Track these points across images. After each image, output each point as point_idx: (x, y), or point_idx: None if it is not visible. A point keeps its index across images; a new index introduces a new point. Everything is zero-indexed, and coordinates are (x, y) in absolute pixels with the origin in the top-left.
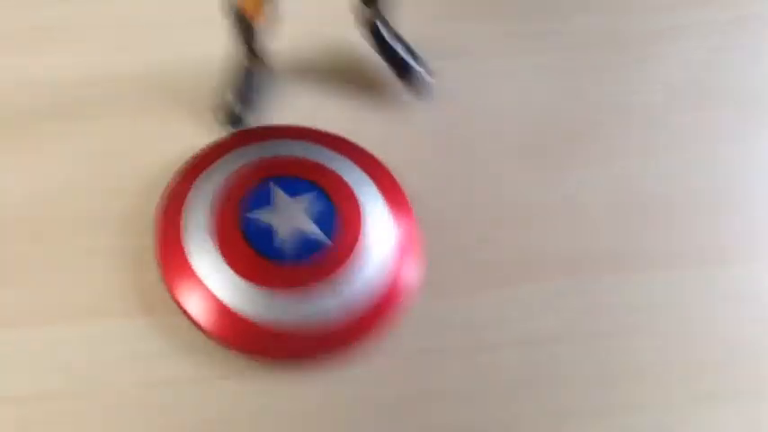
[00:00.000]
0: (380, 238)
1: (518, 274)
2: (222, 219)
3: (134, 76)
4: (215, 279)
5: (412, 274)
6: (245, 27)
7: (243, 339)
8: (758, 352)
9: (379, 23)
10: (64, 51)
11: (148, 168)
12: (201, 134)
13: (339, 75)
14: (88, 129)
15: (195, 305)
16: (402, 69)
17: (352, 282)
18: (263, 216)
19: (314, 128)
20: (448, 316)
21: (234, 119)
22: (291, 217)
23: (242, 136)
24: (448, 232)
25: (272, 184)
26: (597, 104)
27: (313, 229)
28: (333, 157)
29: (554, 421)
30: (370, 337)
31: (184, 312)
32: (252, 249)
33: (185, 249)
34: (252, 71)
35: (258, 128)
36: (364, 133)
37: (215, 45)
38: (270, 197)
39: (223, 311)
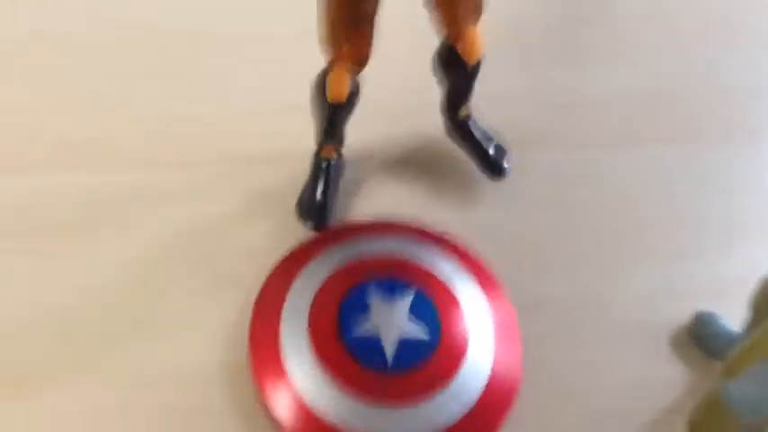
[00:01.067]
0: (482, 334)
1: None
2: (323, 339)
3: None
4: (322, 401)
5: (515, 364)
6: (329, 109)
7: None
8: None
9: (468, 122)
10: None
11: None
12: (287, 234)
13: (421, 165)
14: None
15: (299, 426)
16: (483, 159)
17: (467, 381)
18: (364, 328)
19: (399, 221)
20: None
21: (316, 215)
22: (394, 324)
23: (326, 237)
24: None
25: (367, 291)
26: None
27: (419, 334)
28: (424, 252)
29: None
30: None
31: None
32: (359, 365)
33: (290, 378)
34: (330, 163)
35: (342, 227)
36: (449, 224)
37: (300, 137)
38: (367, 304)
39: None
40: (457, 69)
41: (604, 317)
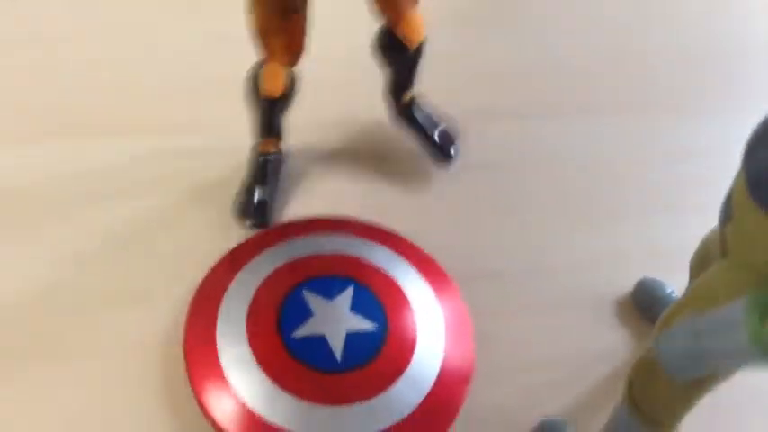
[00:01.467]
0: (431, 318)
1: None
2: (265, 343)
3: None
4: (272, 408)
5: (467, 343)
6: (264, 104)
7: None
8: None
9: (412, 107)
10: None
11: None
12: (224, 234)
13: (362, 156)
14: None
15: None
16: (429, 144)
17: (422, 367)
18: (307, 329)
19: (340, 218)
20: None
21: (255, 214)
22: (338, 320)
23: (265, 236)
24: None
25: (304, 291)
26: None
27: (364, 326)
28: (361, 246)
29: None
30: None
31: None
32: (306, 367)
33: (229, 381)
34: (269, 158)
35: (281, 225)
36: (392, 214)
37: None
38: (306, 305)
39: None
40: (398, 54)
41: (550, 286)
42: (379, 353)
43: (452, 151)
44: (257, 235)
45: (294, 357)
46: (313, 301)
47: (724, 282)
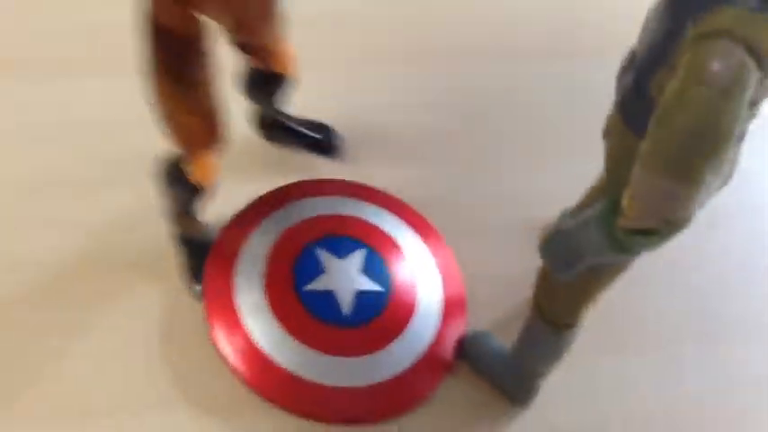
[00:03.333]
0: (429, 279)
1: None
2: (279, 296)
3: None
4: (282, 353)
5: (460, 298)
6: (194, 194)
7: (317, 407)
8: None
9: (279, 117)
10: None
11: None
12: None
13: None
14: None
15: (260, 376)
16: (314, 147)
17: (421, 327)
18: (319, 285)
19: (359, 183)
20: None
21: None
22: (349, 278)
23: (279, 194)
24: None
25: (318, 249)
26: None
27: (373, 286)
28: (368, 209)
29: None
30: (439, 375)
31: (246, 383)
32: (318, 321)
33: (246, 330)
34: (199, 236)
35: (300, 183)
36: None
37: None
38: (320, 262)
39: (293, 381)
40: (274, 87)
41: (501, 214)
42: (381, 313)
43: (338, 143)
44: (278, 189)
45: (305, 308)
46: (326, 258)
47: (594, 193)
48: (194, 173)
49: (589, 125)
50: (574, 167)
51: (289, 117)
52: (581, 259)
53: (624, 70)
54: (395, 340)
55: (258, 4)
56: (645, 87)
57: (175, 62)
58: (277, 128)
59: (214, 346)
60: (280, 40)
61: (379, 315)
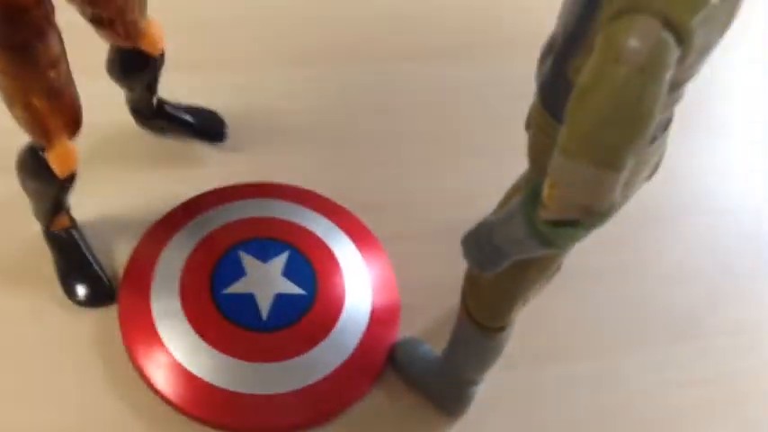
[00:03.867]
0: (359, 280)
1: None
2: (195, 301)
3: None
4: (197, 362)
5: (393, 304)
6: (59, 185)
7: (235, 415)
8: None
9: (162, 101)
10: None
11: None
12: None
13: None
14: None
15: (175, 388)
16: (197, 131)
17: (346, 332)
18: (238, 287)
19: (269, 182)
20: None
21: (95, 292)
22: (269, 281)
23: (197, 202)
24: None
25: (239, 252)
26: None
27: (294, 289)
28: (293, 210)
29: None
30: (366, 379)
31: (163, 398)
32: (236, 326)
33: (159, 336)
34: (70, 230)
35: (214, 191)
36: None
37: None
38: (241, 265)
39: (209, 391)
40: (143, 67)
41: (421, 217)
42: (304, 316)
43: (225, 129)
44: (195, 198)
45: (222, 313)
46: (248, 261)
47: (518, 185)
48: (52, 161)
49: (510, 121)
50: (500, 165)
51: (165, 101)
52: (504, 254)
53: (543, 56)
54: (317, 345)
55: None
56: (564, 71)
57: (18, 38)
58: (153, 113)
59: (129, 358)
60: (140, 14)
61: (301, 319)
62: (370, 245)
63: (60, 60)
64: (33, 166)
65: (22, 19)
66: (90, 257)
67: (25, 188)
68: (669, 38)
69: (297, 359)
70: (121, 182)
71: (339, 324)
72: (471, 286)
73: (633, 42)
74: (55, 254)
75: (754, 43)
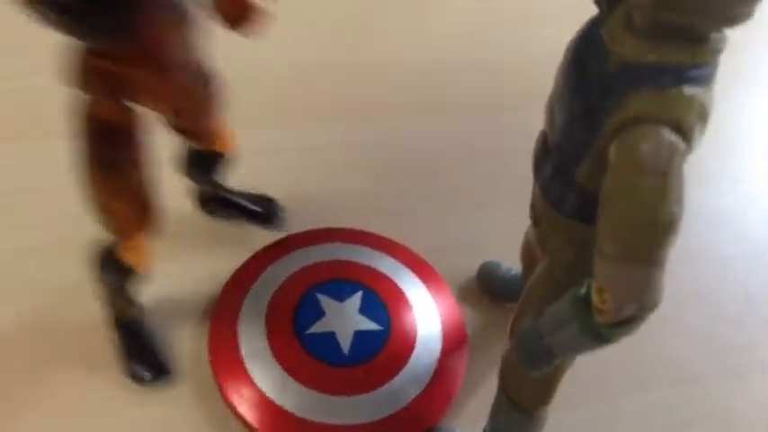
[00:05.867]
0: (430, 321)
1: None
2: (281, 341)
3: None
4: (289, 399)
5: (460, 335)
6: (125, 275)
7: None
8: None
9: (221, 193)
10: None
11: None
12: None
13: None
14: None
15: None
16: (255, 218)
17: (420, 367)
18: (319, 327)
19: (339, 228)
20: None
21: (159, 370)
22: (347, 319)
23: (272, 250)
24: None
25: (317, 294)
26: None
27: (371, 325)
28: (363, 252)
29: None
30: (436, 411)
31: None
32: (321, 362)
33: (251, 377)
34: (134, 317)
35: (284, 239)
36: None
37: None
38: (320, 305)
39: (304, 425)
40: (214, 165)
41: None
42: (382, 350)
43: (280, 213)
44: (272, 245)
45: (307, 351)
46: (325, 302)
47: (546, 283)
48: (128, 257)
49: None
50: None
51: (229, 191)
52: (557, 356)
53: (539, 160)
54: (397, 375)
55: (197, 94)
56: (570, 177)
57: (109, 152)
58: (218, 202)
59: (223, 398)
60: (218, 121)
61: (380, 352)
62: (432, 278)
63: (145, 168)
64: (109, 261)
65: (122, 138)
66: (152, 340)
67: (100, 282)
68: (678, 140)
69: (380, 390)
70: (180, 260)
71: (414, 354)
72: (510, 374)
73: (648, 151)
74: (118, 338)
75: None
